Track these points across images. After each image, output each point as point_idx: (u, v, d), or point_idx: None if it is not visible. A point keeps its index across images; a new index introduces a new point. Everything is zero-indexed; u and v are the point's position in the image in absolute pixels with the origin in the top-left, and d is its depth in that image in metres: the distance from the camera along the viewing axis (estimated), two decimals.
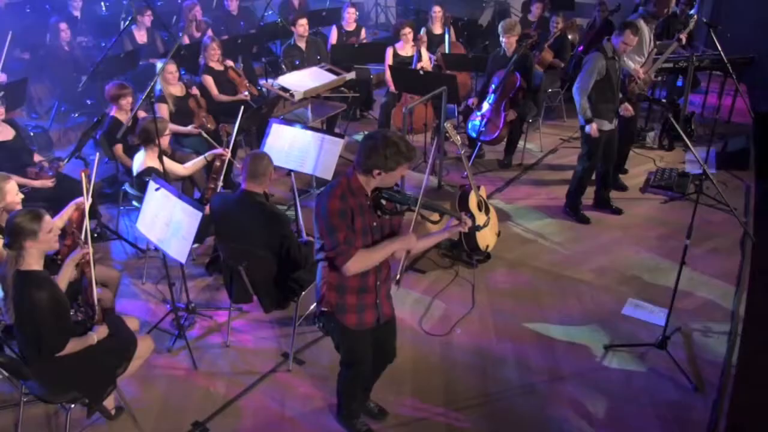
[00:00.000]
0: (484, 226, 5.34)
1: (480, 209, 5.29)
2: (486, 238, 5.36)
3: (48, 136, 7.21)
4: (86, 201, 3.71)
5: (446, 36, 7.94)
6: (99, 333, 3.45)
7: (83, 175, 3.76)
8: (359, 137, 8.02)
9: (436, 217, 3.25)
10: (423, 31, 7.83)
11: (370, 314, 3.26)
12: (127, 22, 6.69)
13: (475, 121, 6.93)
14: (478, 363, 4.29)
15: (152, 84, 4.07)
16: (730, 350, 4.33)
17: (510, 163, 7.23)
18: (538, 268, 5.33)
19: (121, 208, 5.70)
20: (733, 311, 4.73)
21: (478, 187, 5.37)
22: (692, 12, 8.43)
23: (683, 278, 4.13)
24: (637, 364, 4.24)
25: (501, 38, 6.73)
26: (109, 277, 4.22)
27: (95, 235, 5.50)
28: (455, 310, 4.82)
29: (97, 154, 4.28)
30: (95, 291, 3.51)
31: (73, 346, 3.27)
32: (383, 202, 3.08)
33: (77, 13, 8.60)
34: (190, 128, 6.14)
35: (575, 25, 8.56)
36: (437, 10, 8.21)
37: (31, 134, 6.90)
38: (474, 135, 6.94)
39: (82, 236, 3.61)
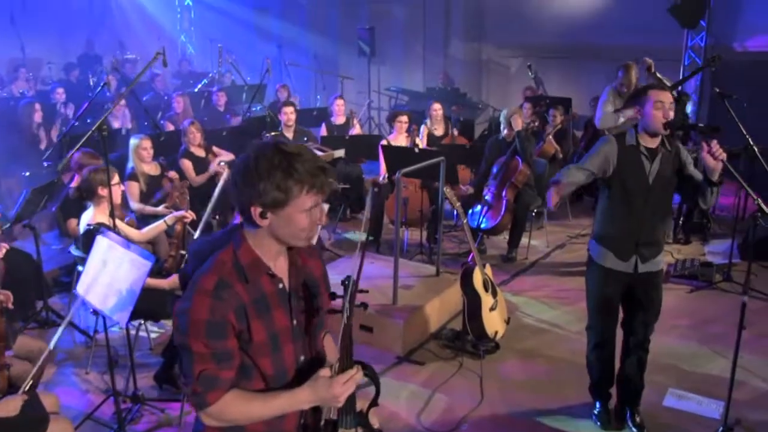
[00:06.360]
0: (492, 309, 4.63)
1: (486, 289, 4.60)
2: (494, 323, 4.62)
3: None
4: None
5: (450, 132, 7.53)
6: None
7: None
8: (350, 235, 7.41)
9: None
10: (423, 128, 7.42)
11: None
12: (99, 88, 6.24)
13: (476, 209, 6.40)
14: None
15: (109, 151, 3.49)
16: None
17: (515, 257, 6.58)
18: (555, 358, 4.55)
19: (74, 291, 4.96)
20: None
21: (484, 265, 4.71)
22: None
23: (731, 366, 3.46)
24: None
25: (501, 127, 6.47)
26: (31, 349, 3.40)
27: (41, 319, 4.78)
28: (461, 404, 4.00)
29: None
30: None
31: None
32: None
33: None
34: (161, 208, 5.54)
35: (574, 118, 8.27)
36: (437, 108, 7.55)
37: None
38: (475, 225, 6.36)
39: None
